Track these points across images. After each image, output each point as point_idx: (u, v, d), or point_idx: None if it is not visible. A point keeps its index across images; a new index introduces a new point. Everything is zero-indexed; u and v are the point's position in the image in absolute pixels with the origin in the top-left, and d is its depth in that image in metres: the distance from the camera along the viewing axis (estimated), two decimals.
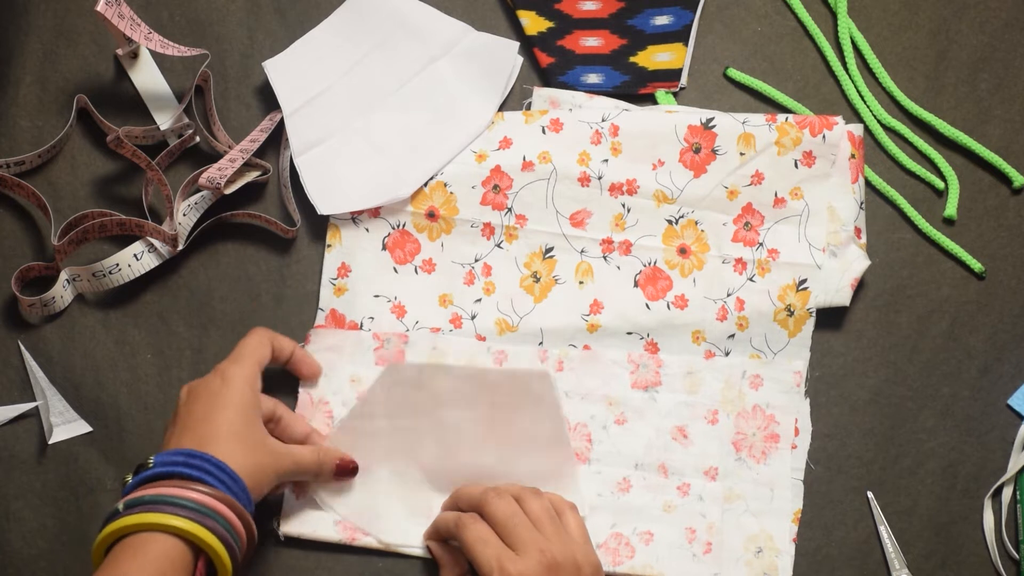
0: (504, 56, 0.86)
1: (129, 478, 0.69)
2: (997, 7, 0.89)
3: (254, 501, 0.71)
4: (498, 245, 0.84)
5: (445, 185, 0.84)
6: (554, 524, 0.74)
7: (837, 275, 0.83)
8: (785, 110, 0.87)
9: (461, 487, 0.78)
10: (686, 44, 0.88)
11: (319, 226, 0.85)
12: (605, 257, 0.84)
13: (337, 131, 0.85)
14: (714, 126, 0.84)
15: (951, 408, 0.84)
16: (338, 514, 0.80)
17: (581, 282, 0.84)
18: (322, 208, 0.83)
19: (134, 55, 0.87)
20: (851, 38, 0.88)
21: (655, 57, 0.87)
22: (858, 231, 0.84)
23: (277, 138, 0.86)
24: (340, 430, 0.81)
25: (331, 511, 0.80)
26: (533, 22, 0.87)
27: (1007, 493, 0.83)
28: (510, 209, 0.84)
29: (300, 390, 0.82)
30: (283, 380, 0.82)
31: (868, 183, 0.86)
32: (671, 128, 0.84)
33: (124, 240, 0.83)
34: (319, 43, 0.86)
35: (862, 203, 0.84)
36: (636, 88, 0.87)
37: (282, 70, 0.85)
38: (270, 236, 0.85)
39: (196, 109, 0.86)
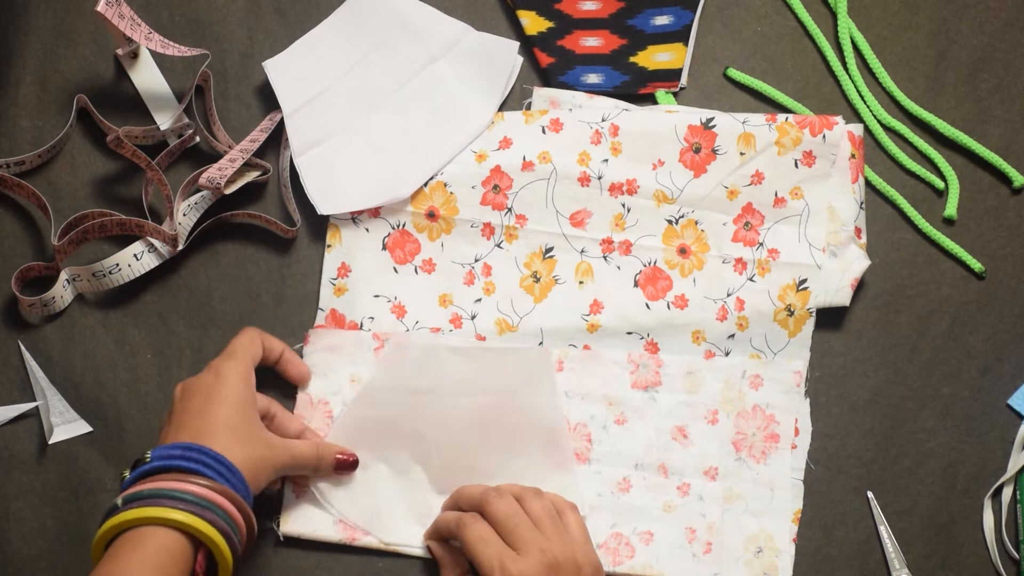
0: (504, 56, 0.86)
1: (127, 473, 0.69)
2: (997, 7, 0.89)
3: (253, 494, 0.71)
4: (498, 245, 0.84)
5: (445, 185, 0.84)
6: (555, 524, 0.74)
7: (837, 275, 0.83)
8: (785, 110, 0.87)
9: (462, 487, 0.78)
10: (686, 44, 0.88)
11: (319, 226, 0.85)
12: (605, 257, 0.84)
13: (337, 131, 0.85)
14: (714, 126, 0.84)
15: (951, 408, 0.84)
16: (338, 514, 0.80)
17: (581, 282, 0.84)
18: (322, 208, 0.83)
19: (134, 55, 0.87)
20: (851, 38, 0.88)
21: (655, 57, 0.87)
22: (858, 231, 0.84)
23: (277, 138, 0.86)
24: (339, 427, 0.81)
25: (331, 511, 0.80)
26: (533, 22, 0.87)
27: (1007, 493, 0.83)
28: (510, 209, 0.84)
29: (299, 390, 0.82)
30: (282, 379, 0.82)
31: (868, 183, 0.86)
32: (671, 128, 0.84)
33: (124, 240, 0.83)
34: (319, 43, 0.86)
35: (862, 203, 0.84)
36: (636, 88, 0.87)
37: (282, 70, 0.85)
38: (270, 236, 0.85)
39: (196, 109, 0.86)
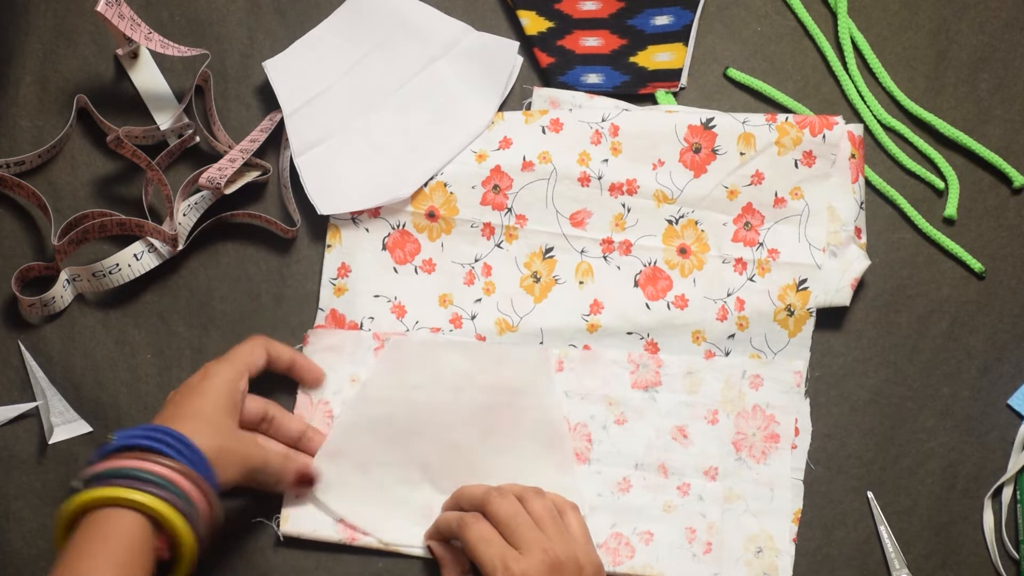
0: (504, 56, 0.86)
1: (92, 456, 0.69)
2: (997, 7, 0.89)
3: (225, 484, 0.70)
4: (498, 245, 0.84)
5: (445, 185, 0.84)
6: (556, 524, 0.74)
7: (837, 275, 0.83)
8: (785, 110, 0.87)
9: (463, 487, 0.78)
10: (686, 44, 0.88)
11: (319, 226, 0.85)
12: (605, 257, 0.84)
13: (337, 131, 0.85)
14: (714, 126, 0.84)
15: (951, 408, 0.84)
16: (338, 514, 0.80)
17: (581, 282, 0.84)
18: (322, 208, 0.83)
19: (134, 55, 0.87)
20: (851, 38, 0.88)
21: (655, 57, 0.87)
22: (858, 231, 0.84)
23: (277, 138, 0.86)
24: (339, 427, 0.81)
25: (331, 511, 0.80)
26: (533, 22, 0.87)
27: (1007, 493, 0.83)
28: (510, 209, 0.84)
29: (299, 391, 0.82)
30: (283, 380, 0.82)
31: (868, 183, 0.86)
32: (671, 128, 0.84)
33: (124, 240, 0.83)
34: (319, 43, 0.86)
35: (862, 203, 0.84)
36: (636, 88, 0.87)
37: (282, 70, 0.85)
38: (270, 236, 0.85)
39: (196, 109, 0.86)
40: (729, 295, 0.83)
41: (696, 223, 0.84)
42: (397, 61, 0.86)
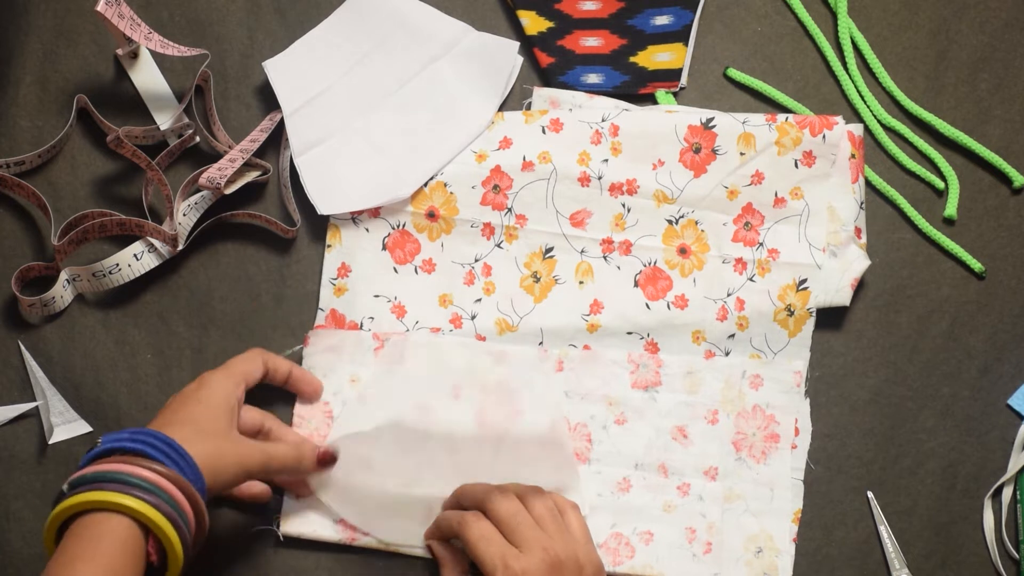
0: (504, 56, 0.86)
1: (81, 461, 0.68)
2: (997, 7, 0.89)
3: (214, 490, 0.69)
4: (498, 245, 0.84)
5: (445, 185, 0.84)
6: (557, 523, 0.74)
7: (837, 275, 0.83)
8: (785, 110, 0.87)
9: (464, 485, 0.78)
10: (686, 44, 0.88)
11: (319, 226, 0.85)
12: (605, 257, 0.84)
13: (337, 131, 0.85)
14: (714, 126, 0.84)
15: (951, 408, 0.84)
16: (338, 514, 0.80)
17: (581, 282, 0.84)
18: (322, 208, 0.83)
19: (134, 55, 0.87)
20: (851, 38, 0.88)
21: (655, 57, 0.87)
22: (858, 231, 0.84)
23: (277, 138, 0.86)
24: (339, 427, 0.81)
25: (331, 511, 0.80)
26: (533, 22, 0.87)
27: (1007, 493, 0.83)
28: (510, 209, 0.84)
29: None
30: (281, 391, 0.81)
31: (868, 183, 0.86)
32: (671, 128, 0.84)
33: (124, 240, 0.83)
34: (319, 43, 0.86)
35: (862, 203, 0.84)
36: (636, 88, 0.87)
37: (282, 70, 0.85)
38: (270, 236, 0.85)
39: (196, 109, 0.86)
40: (729, 295, 0.83)
41: (696, 223, 0.84)
42: (397, 61, 0.86)
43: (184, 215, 0.83)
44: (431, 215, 0.84)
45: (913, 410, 0.84)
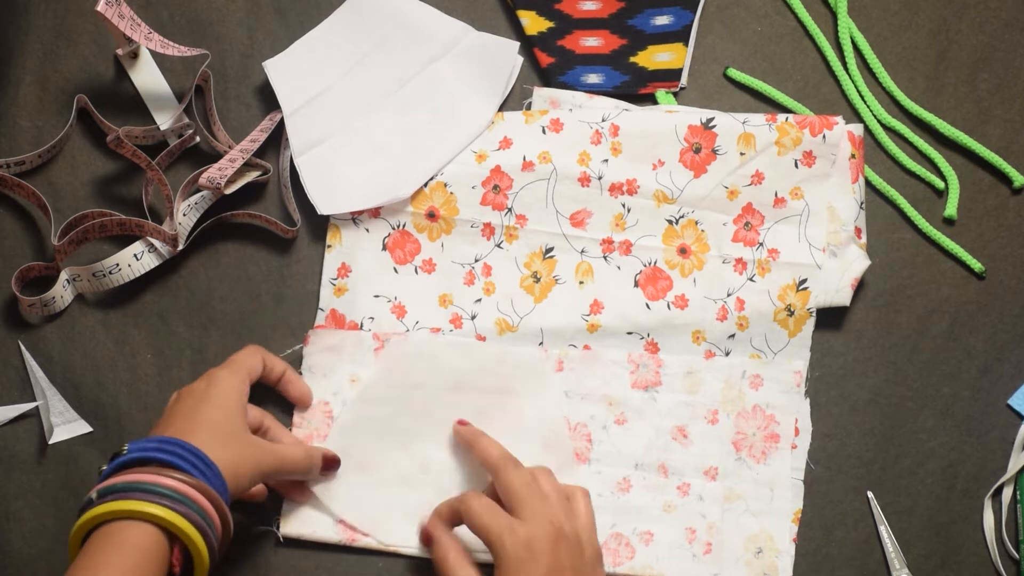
0: (504, 56, 0.86)
1: (104, 467, 0.68)
2: (997, 7, 0.89)
3: (234, 494, 0.70)
4: (498, 245, 0.84)
5: (445, 185, 0.84)
6: (563, 503, 0.75)
7: (837, 275, 0.83)
8: (785, 110, 0.87)
9: (481, 438, 0.78)
10: (686, 44, 0.88)
11: (319, 226, 0.85)
12: (605, 257, 0.84)
13: (337, 131, 0.85)
14: (714, 126, 0.84)
15: (951, 408, 0.84)
16: (338, 515, 0.80)
17: (581, 282, 0.84)
18: (322, 208, 0.83)
19: (134, 55, 0.87)
20: (851, 38, 0.88)
21: (655, 57, 0.87)
22: (858, 231, 0.84)
23: (277, 138, 0.86)
24: (339, 427, 0.81)
25: (331, 512, 0.80)
26: (533, 22, 0.87)
27: (1007, 493, 0.83)
28: (510, 209, 0.84)
29: None
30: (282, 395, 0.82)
31: (868, 183, 0.86)
32: (671, 128, 0.84)
33: (124, 240, 0.83)
34: (319, 43, 0.86)
35: (862, 203, 0.84)
36: (636, 88, 0.87)
37: (282, 70, 0.85)
38: (270, 236, 0.85)
39: (196, 109, 0.86)
40: (729, 295, 0.83)
41: (696, 223, 0.84)
42: (397, 61, 0.86)
43: (184, 215, 0.83)
44: (431, 215, 0.84)
45: (913, 410, 0.84)
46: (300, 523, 0.80)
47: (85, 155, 0.86)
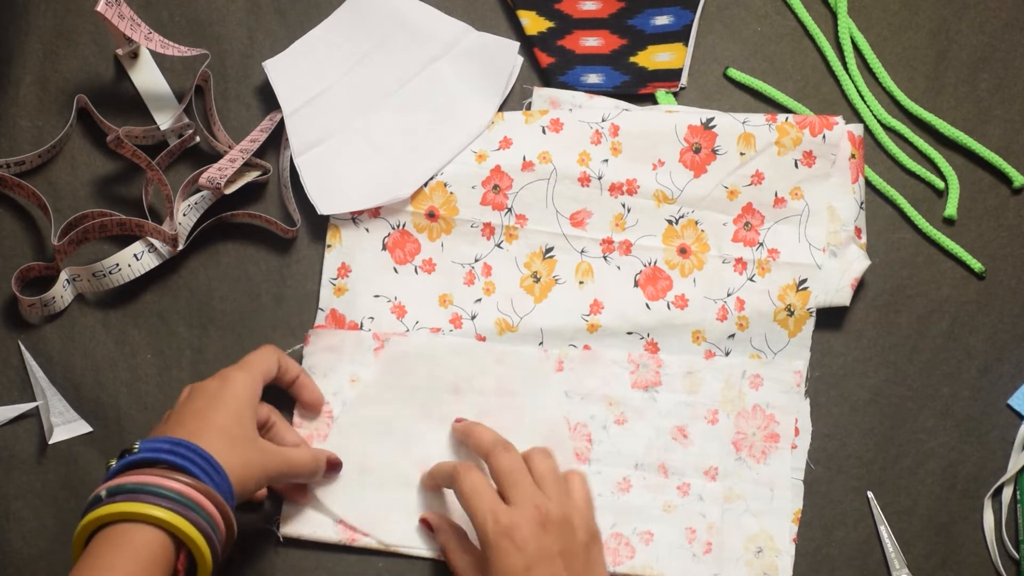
0: (504, 56, 0.86)
1: (113, 462, 0.68)
2: (997, 7, 0.89)
3: (240, 498, 0.70)
4: (498, 245, 0.84)
5: (445, 185, 0.84)
6: (557, 485, 0.75)
7: (837, 275, 0.83)
8: (785, 110, 0.87)
9: (474, 426, 0.79)
10: (686, 44, 0.88)
11: (319, 226, 0.85)
12: (605, 257, 0.84)
13: (337, 131, 0.85)
14: (714, 126, 0.84)
15: (951, 408, 0.84)
16: (338, 515, 0.80)
17: (581, 282, 0.84)
18: (322, 208, 0.83)
19: (134, 55, 0.87)
20: (851, 38, 0.88)
21: (655, 57, 0.87)
22: (858, 231, 0.84)
23: (277, 138, 0.86)
24: (339, 427, 0.81)
25: (331, 512, 0.80)
26: (533, 22, 0.87)
27: (1007, 493, 0.83)
28: (510, 209, 0.84)
29: None
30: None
31: (868, 183, 0.86)
32: (671, 128, 0.84)
33: (124, 240, 0.83)
34: (319, 43, 0.86)
35: (862, 203, 0.84)
36: (636, 88, 0.87)
37: (282, 70, 0.85)
38: (270, 236, 0.85)
39: (196, 109, 0.86)
40: (729, 295, 0.83)
41: (696, 223, 0.84)
42: (397, 61, 0.86)
43: (184, 215, 0.83)
44: (431, 215, 0.84)
45: (913, 410, 0.84)
46: (300, 523, 0.80)
47: (85, 155, 0.86)
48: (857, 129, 0.84)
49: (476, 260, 0.84)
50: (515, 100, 0.87)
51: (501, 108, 0.86)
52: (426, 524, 0.79)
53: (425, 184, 0.84)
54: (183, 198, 0.83)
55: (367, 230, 0.84)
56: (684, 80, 0.87)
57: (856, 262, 0.83)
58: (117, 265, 0.81)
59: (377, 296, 0.84)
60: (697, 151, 0.84)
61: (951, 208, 0.86)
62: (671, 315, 0.83)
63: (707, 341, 0.83)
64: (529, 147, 0.84)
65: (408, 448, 0.81)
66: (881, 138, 0.87)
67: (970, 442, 0.83)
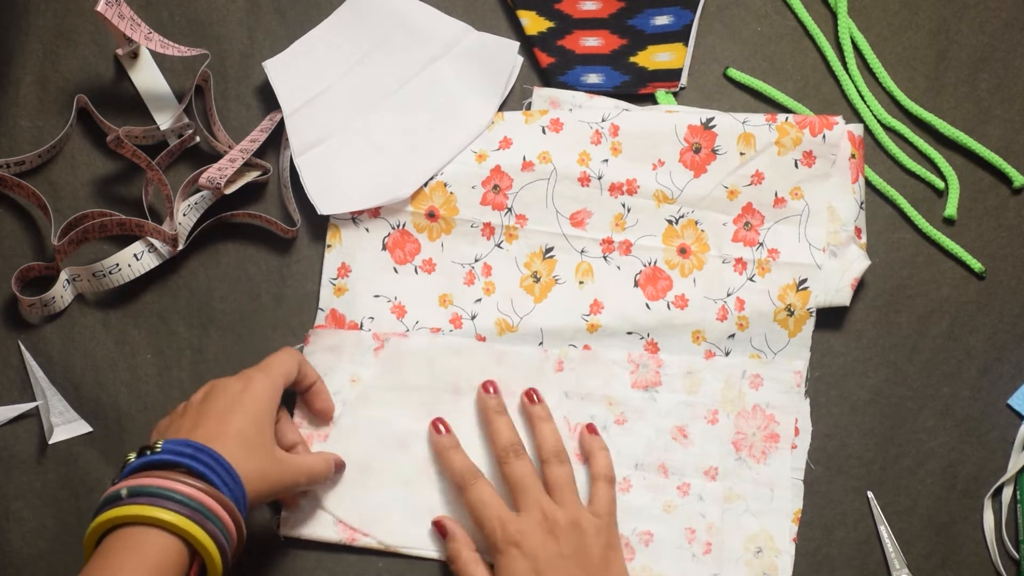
0: (504, 56, 0.86)
1: (131, 457, 0.68)
2: (997, 7, 0.89)
3: (253, 507, 0.70)
4: (498, 245, 0.84)
5: (445, 185, 0.84)
6: (569, 492, 0.76)
7: (837, 275, 0.83)
8: (785, 110, 0.87)
9: (495, 423, 0.79)
10: (686, 44, 0.88)
11: (319, 226, 0.85)
12: (605, 257, 0.84)
13: (337, 131, 0.85)
14: (714, 126, 0.84)
15: (951, 408, 0.84)
16: (338, 515, 0.80)
17: (581, 282, 0.84)
18: (322, 208, 0.83)
19: (134, 55, 0.87)
20: (851, 38, 0.88)
21: (655, 57, 0.87)
22: (858, 231, 0.84)
23: (277, 138, 0.86)
24: (340, 428, 0.81)
25: (331, 512, 0.80)
26: (533, 22, 0.87)
27: (1007, 493, 0.83)
28: (510, 209, 0.84)
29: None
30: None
31: (868, 183, 0.86)
32: (671, 128, 0.84)
33: (124, 240, 0.83)
34: (319, 43, 0.86)
35: (862, 203, 0.84)
36: (636, 88, 0.87)
37: (282, 70, 0.85)
38: (270, 236, 0.85)
39: (196, 109, 0.86)
40: (729, 295, 0.83)
41: (696, 223, 0.84)
42: (397, 61, 0.86)
43: (184, 215, 0.83)
44: (431, 215, 0.84)
45: (913, 410, 0.84)
46: (300, 523, 0.80)
47: (85, 155, 0.86)
48: (857, 129, 0.84)
49: (476, 260, 0.84)
50: (515, 100, 0.87)
51: (501, 108, 0.86)
52: (439, 527, 0.79)
53: (425, 184, 0.84)
54: (183, 198, 0.83)
55: (367, 230, 0.84)
56: (684, 80, 0.87)
57: (856, 262, 0.83)
58: (117, 265, 0.81)
59: (377, 296, 0.84)
60: (697, 151, 0.84)
61: (951, 208, 0.86)
62: (671, 315, 0.83)
63: (707, 341, 0.83)
64: (529, 147, 0.84)
65: (408, 448, 0.81)
66: (881, 138, 0.87)
67: (970, 442, 0.83)
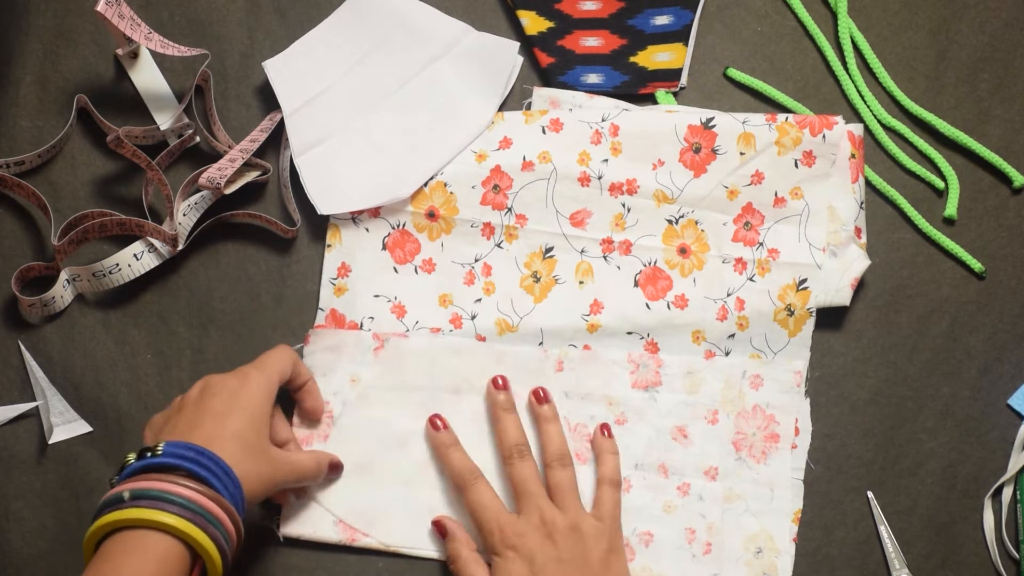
0: (504, 56, 0.86)
1: (131, 458, 0.68)
2: (997, 7, 0.89)
3: (248, 507, 0.70)
4: (498, 245, 0.84)
5: (445, 185, 0.84)
6: (570, 496, 0.76)
7: (837, 275, 0.83)
8: (785, 110, 0.87)
9: (503, 421, 0.79)
10: (686, 44, 0.88)
11: (319, 226, 0.85)
12: (605, 257, 0.84)
13: (337, 131, 0.85)
14: (714, 126, 0.84)
15: (951, 408, 0.84)
16: (337, 515, 0.80)
17: (581, 282, 0.84)
18: (322, 208, 0.83)
19: (134, 55, 0.87)
20: (851, 38, 0.88)
21: (655, 57, 0.87)
22: (858, 231, 0.84)
23: (277, 138, 0.86)
24: (340, 428, 0.81)
25: (330, 512, 0.80)
26: (533, 22, 0.87)
27: (1007, 493, 0.83)
28: (510, 209, 0.84)
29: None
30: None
31: (868, 183, 0.86)
32: (671, 128, 0.84)
33: (124, 240, 0.83)
34: (319, 43, 0.86)
35: (862, 203, 0.84)
36: (636, 88, 0.87)
37: (282, 70, 0.85)
38: (270, 236, 0.85)
39: (196, 109, 0.86)
40: (729, 295, 0.83)
41: (696, 223, 0.84)
42: (397, 61, 0.86)
43: (184, 215, 0.83)
44: (431, 215, 0.84)
45: (913, 410, 0.84)
46: (300, 523, 0.80)
47: (85, 155, 0.86)
48: (857, 129, 0.84)
49: (476, 260, 0.84)
50: (515, 100, 0.87)
51: (501, 108, 0.86)
52: (438, 527, 0.79)
53: (425, 184, 0.84)
54: (183, 198, 0.83)
55: (367, 230, 0.84)
56: (684, 80, 0.87)
57: (856, 262, 0.83)
58: (117, 265, 0.81)
59: (377, 296, 0.84)
60: (697, 151, 0.84)
61: (951, 208, 0.86)
62: (671, 315, 0.83)
63: (707, 341, 0.83)
64: (529, 147, 0.84)
65: (408, 448, 0.81)
66: (881, 138, 0.87)
67: (970, 442, 0.83)
